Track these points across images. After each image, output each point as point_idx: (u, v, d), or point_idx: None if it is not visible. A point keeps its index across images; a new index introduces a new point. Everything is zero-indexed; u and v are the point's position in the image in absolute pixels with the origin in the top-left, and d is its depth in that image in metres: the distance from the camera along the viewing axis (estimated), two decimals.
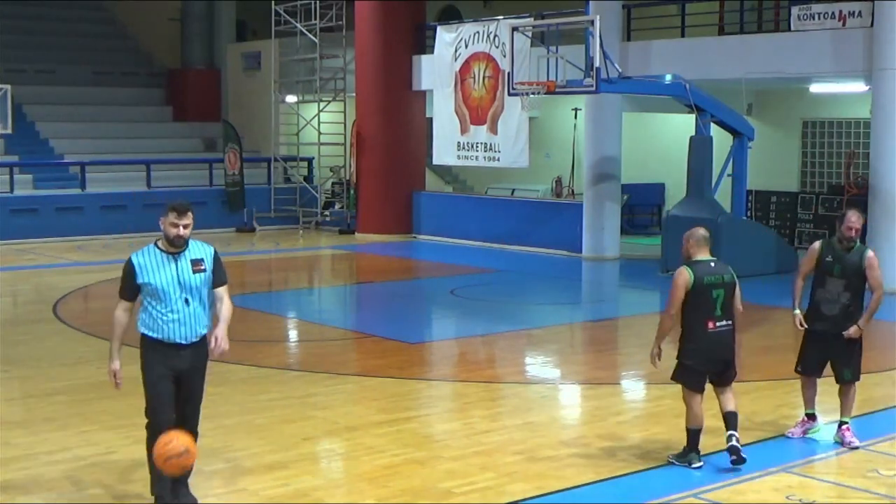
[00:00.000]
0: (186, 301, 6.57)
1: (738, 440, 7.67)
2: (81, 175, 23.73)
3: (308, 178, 26.69)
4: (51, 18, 29.44)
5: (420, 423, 9.19)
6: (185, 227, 6.59)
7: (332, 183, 27.11)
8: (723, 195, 18.05)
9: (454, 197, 25.20)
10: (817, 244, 8.49)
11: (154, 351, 6.67)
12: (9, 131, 22.47)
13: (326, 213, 25.89)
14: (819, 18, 17.09)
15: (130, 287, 6.65)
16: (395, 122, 23.41)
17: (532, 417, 9.21)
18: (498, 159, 21.17)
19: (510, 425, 8.89)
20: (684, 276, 7.75)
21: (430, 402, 10.11)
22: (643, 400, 10.32)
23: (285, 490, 7.27)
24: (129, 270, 6.59)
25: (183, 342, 6.61)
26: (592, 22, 16.18)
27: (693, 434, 7.73)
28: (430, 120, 23.11)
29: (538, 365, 11.98)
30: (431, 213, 23.55)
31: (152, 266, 6.56)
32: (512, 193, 24.39)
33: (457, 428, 8.86)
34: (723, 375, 7.92)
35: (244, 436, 8.49)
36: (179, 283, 6.56)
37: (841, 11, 16.78)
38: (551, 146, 25.67)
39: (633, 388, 10.91)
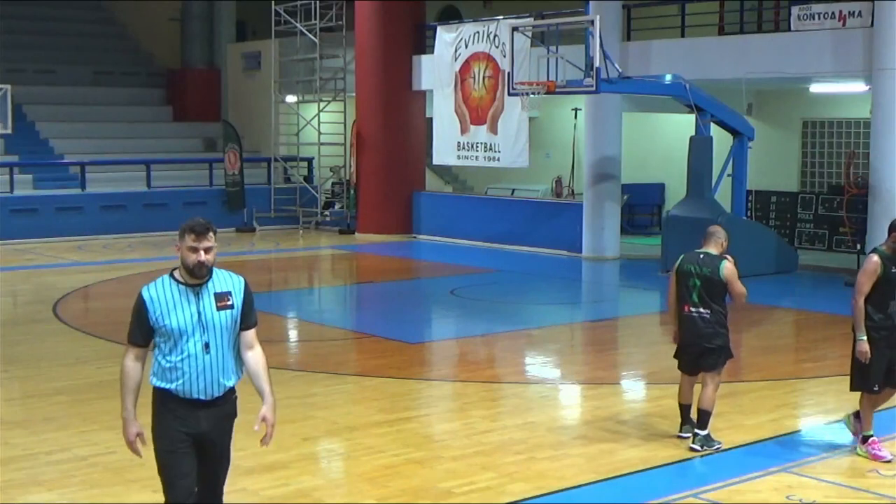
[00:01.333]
0: (206, 346, 5.27)
1: (698, 443, 8.05)
2: (81, 175, 23.74)
3: (308, 178, 26.69)
4: (51, 18, 29.45)
5: (420, 423, 9.19)
6: (207, 250, 5.22)
7: (332, 183, 27.11)
8: (723, 195, 18.05)
9: (454, 197, 25.19)
10: (875, 258, 7.75)
11: (168, 409, 5.49)
12: (9, 131, 22.47)
13: (326, 213, 25.89)
14: (819, 18, 17.10)
15: (142, 329, 5.34)
16: (395, 122, 23.41)
17: (532, 417, 9.20)
18: (498, 159, 21.17)
19: (510, 425, 8.88)
20: (676, 263, 8.58)
21: (430, 402, 10.11)
22: (643, 400, 10.32)
23: (285, 490, 7.27)
24: (140, 308, 5.29)
25: (203, 397, 5.36)
26: (592, 22, 16.18)
27: (680, 408, 8.45)
28: (430, 120, 23.11)
29: (538, 365, 11.98)
30: (431, 213, 23.54)
31: (168, 302, 5.25)
32: (512, 193, 24.39)
33: (457, 428, 8.86)
34: (696, 362, 8.26)
35: (244, 436, 8.41)
36: (200, 322, 5.25)
37: (841, 11, 16.78)
38: (551, 146, 25.67)
39: (633, 388, 10.91)
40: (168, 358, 5.38)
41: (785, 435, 8.61)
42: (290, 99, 26.53)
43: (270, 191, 25.67)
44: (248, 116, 27.81)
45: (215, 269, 5.34)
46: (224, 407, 5.46)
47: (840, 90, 20.12)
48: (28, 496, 7.16)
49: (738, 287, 8.23)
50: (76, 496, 7.13)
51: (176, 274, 5.33)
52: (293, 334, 13.87)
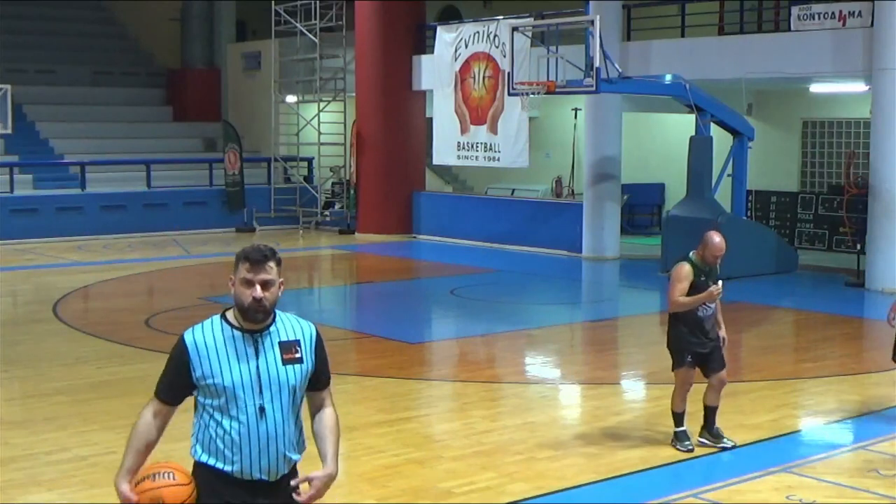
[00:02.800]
0: (261, 410, 4.08)
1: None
2: (81, 175, 23.74)
3: (308, 178, 26.69)
4: (51, 18, 29.45)
5: (420, 423, 9.19)
6: (266, 285, 4.07)
7: (332, 183, 27.11)
8: (723, 195, 18.05)
9: (454, 197, 25.19)
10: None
11: (217, 493, 4.15)
12: (9, 131, 22.47)
13: (326, 213, 25.89)
14: (819, 18, 17.09)
15: (177, 383, 4.21)
16: (395, 122, 23.41)
17: (532, 417, 9.21)
18: (498, 159, 21.17)
19: (510, 425, 8.88)
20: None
21: (430, 402, 10.11)
22: (643, 400, 10.32)
23: None
24: (181, 356, 4.14)
25: (266, 478, 4.15)
26: (592, 22, 16.18)
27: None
28: (430, 120, 23.10)
29: (538, 365, 11.98)
30: (431, 213, 23.54)
31: (218, 351, 4.10)
32: (512, 193, 24.39)
33: (457, 428, 8.86)
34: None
35: None
36: (259, 379, 4.09)
37: (841, 11, 16.78)
38: (551, 146, 25.67)
39: (633, 388, 10.91)
40: (218, 426, 4.14)
41: (785, 435, 8.61)
42: (290, 99, 26.53)
43: (270, 191, 25.67)
44: (248, 116, 27.81)
45: (279, 313, 4.19)
46: (288, 490, 4.20)
47: (840, 90, 20.12)
48: (28, 496, 7.16)
49: (670, 291, 8.01)
50: (76, 496, 7.13)
51: (229, 315, 4.15)
52: None
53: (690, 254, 8.03)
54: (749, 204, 19.80)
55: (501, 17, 21.43)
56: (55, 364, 11.13)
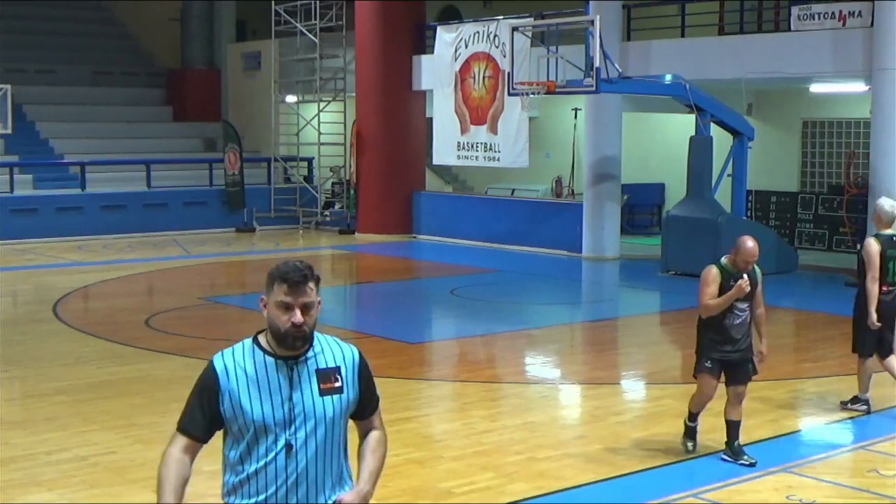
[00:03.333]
0: (288, 448, 3.64)
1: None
2: (81, 175, 23.73)
3: (308, 178, 26.69)
4: (51, 18, 29.45)
5: (420, 423, 9.19)
6: (306, 309, 3.68)
7: (332, 183, 27.11)
8: (723, 195, 18.05)
9: (454, 197, 25.19)
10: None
11: None
12: (9, 131, 22.47)
13: (326, 213, 25.89)
14: (819, 18, 17.09)
15: (205, 414, 3.70)
16: (395, 122, 23.41)
17: (532, 417, 9.21)
18: (498, 159, 21.17)
19: (510, 425, 8.88)
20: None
21: (430, 402, 10.11)
22: (643, 400, 10.32)
23: None
24: (209, 384, 3.69)
25: None
26: (592, 22, 16.18)
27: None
28: (430, 120, 23.10)
29: (538, 365, 11.98)
30: (431, 213, 23.54)
31: (248, 380, 3.66)
32: (512, 193, 24.39)
33: (457, 428, 8.86)
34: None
35: None
36: (292, 412, 3.65)
37: (841, 11, 16.77)
38: (551, 146, 25.67)
39: (633, 388, 10.91)
40: (245, 465, 3.69)
41: (785, 435, 8.61)
42: (290, 99, 26.53)
43: (270, 191, 25.67)
44: (248, 116, 27.81)
45: (317, 336, 3.76)
46: None
47: (840, 90, 20.12)
48: (28, 496, 7.16)
49: (699, 296, 7.74)
50: (76, 496, 7.13)
51: (261, 340, 3.73)
52: None
53: (722, 259, 7.76)
54: (749, 204, 19.80)
55: (501, 17, 21.42)
56: (55, 364, 11.13)
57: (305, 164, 26.98)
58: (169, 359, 11.28)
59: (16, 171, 23.04)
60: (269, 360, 3.68)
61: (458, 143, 21.87)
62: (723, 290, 7.55)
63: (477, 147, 21.51)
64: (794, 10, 17.50)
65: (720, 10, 20.27)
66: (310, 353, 3.71)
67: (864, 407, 9.14)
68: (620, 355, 12.48)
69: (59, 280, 17.20)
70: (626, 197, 21.68)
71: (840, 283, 16.40)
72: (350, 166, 24.59)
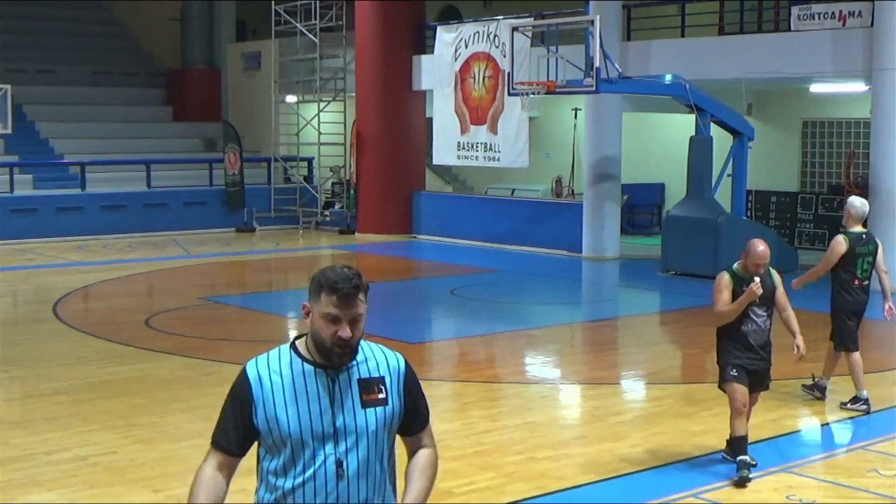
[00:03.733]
0: (339, 465, 3.39)
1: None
2: (81, 175, 23.74)
3: (308, 178, 26.69)
4: (51, 18, 29.46)
5: None
6: (355, 322, 3.43)
7: (332, 183, 27.11)
8: (723, 195, 18.05)
9: (454, 197, 25.19)
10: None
11: None
12: (9, 131, 22.47)
13: (326, 213, 25.89)
14: (819, 18, 17.09)
15: (239, 427, 3.44)
16: (395, 122, 23.41)
17: (532, 417, 9.21)
18: (498, 159, 21.17)
19: (510, 425, 8.88)
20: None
21: (431, 402, 10.01)
22: (643, 400, 10.32)
23: None
24: (242, 394, 3.43)
25: None
26: (592, 22, 16.18)
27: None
28: (430, 120, 23.10)
29: (538, 365, 11.98)
30: (431, 213, 23.54)
31: (285, 390, 3.40)
32: (512, 193, 24.39)
33: (457, 428, 8.86)
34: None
35: None
36: (334, 427, 3.40)
37: (841, 11, 16.78)
38: (551, 146, 25.67)
39: (633, 388, 10.91)
40: (282, 480, 3.42)
41: (785, 435, 8.61)
42: (290, 99, 26.53)
43: (270, 191, 25.67)
44: (248, 116, 27.81)
45: (361, 343, 3.51)
46: None
47: (840, 90, 20.12)
48: (28, 496, 7.15)
49: (713, 304, 7.59)
50: (76, 496, 7.13)
51: (300, 346, 3.47)
52: (293, 334, 13.82)
53: (734, 264, 7.57)
54: (749, 204, 19.80)
55: (501, 17, 21.43)
56: (55, 364, 11.12)
57: (305, 164, 26.99)
58: (169, 359, 11.28)
59: (16, 171, 23.05)
60: (308, 368, 3.41)
61: (458, 143, 21.87)
62: (735, 296, 7.38)
63: (477, 147, 21.51)
64: (794, 10, 17.50)
65: (720, 10, 20.28)
66: (352, 362, 3.45)
67: (864, 407, 9.17)
68: (620, 355, 12.48)
69: (59, 280, 17.20)
70: (626, 197, 21.68)
71: None
72: (350, 166, 24.59)
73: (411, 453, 3.62)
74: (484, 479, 7.48)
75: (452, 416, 9.53)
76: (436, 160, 23.24)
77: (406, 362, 3.60)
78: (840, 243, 9.26)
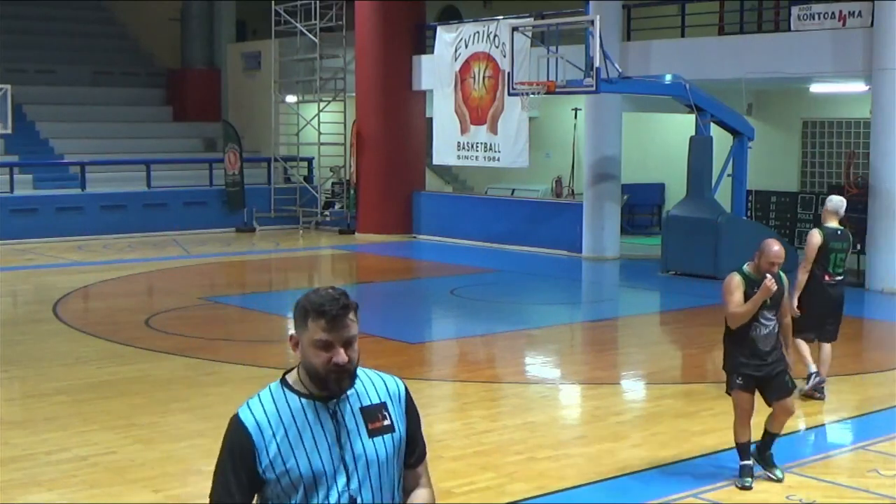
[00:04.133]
0: (353, 501, 3.17)
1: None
2: (81, 175, 23.74)
3: (308, 178, 26.69)
4: (51, 18, 29.45)
5: None
6: (349, 344, 3.21)
7: (332, 183, 27.11)
8: (723, 195, 18.05)
9: (454, 197, 25.19)
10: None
11: None
12: (9, 131, 22.47)
13: (326, 213, 25.89)
14: (819, 18, 17.09)
15: (241, 482, 3.16)
16: (395, 122, 23.41)
17: (532, 417, 9.20)
18: (498, 159, 21.17)
19: (510, 425, 8.88)
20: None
21: (430, 402, 10.09)
22: (643, 400, 10.32)
23: None
24: (242, 443, 3.15)
25: None
26: (592, 22, 16.18)
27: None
28: (430, 120, 23.10)
29: (538, 365, 11.98)
30: (431, 213, 23.54)
31: (287, 430, 3.15)
32: (512, 193, 24.39)
33: (457, 428, 8.86)
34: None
35: None
36: (343, 461, 3.17)
37: (841, 11, 16.77)
38: (551, 146, 25.67)
39: (633, 388, 10.91)
40: None
41: (785, 435, 8.60)
42: (290, 99, 26.53)
43: (270, 191, 25.67)
44: (248, 116, 27.80)
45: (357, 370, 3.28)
46: None
47: (840, 90, 20.12)
48: (28, 496, 7.16)
49: (725, 306, 7.39)
50: (76, 496, 7.13)
51: (290, 380, 3.22)
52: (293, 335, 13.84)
53: (744, 266, 7.40)
54: (749, 204, 19.78)
55: (501, 17, 21.42)
56: (55, 364, 11.13)
57: (305, 164, 26.98)
58: (169, 359, 11.28)
59: (16, 171, 23.04)
60: (306, 402, 3.16)
61: (458, 143, 21.87)
62: (747, 297, 7.20)
63: (477, 147, 21.51)
64: (794, 10, 17.49)
65: (720, 10, 20.28)
66: (350, 391, 3.21)
67: (818, 378, 9.38)
68: (620, 355, 12.48)
69: (59, 280, 17.20)
70: (626, 197, 21.68)
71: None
72: (350, 166, 24.60)
73: (408, 490, 3.34)
74: (484, 479, 7.48)
75: (452, 416, 9.53)
76: (436, 160, 23.24)
77: (405, 386, 3.35)
78: (815, 236, 9.42)
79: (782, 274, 7.50)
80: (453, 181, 28.66)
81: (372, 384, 3.28)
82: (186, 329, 13.18)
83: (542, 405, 9.90)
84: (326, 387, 3.15)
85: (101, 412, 9.16)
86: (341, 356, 3.14)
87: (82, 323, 13.69)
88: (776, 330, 7.36)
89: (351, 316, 3.20)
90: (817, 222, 10.26)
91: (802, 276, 9.39)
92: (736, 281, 7.30)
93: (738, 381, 7.29)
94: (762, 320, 7.25)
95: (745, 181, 18.26)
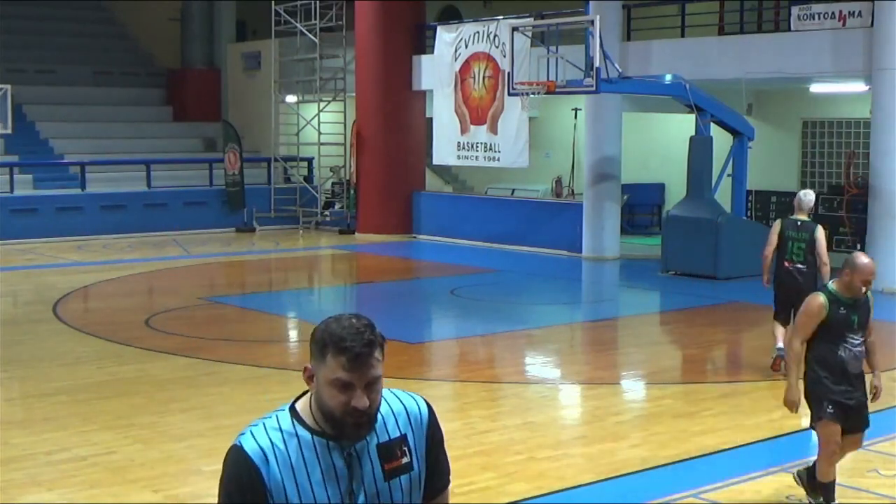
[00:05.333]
0: None
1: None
2: (81, 175, 23.73)
3: (308, 178, 26.69)
4: (51, 18, 29.45)
5: None
6: (371, 385, 2.78)
7: (332, 183, 27.11)
8: (723, 195, 18.06)
9: (454, 197, 25.19)
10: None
11: None
12: (9, 131, 22.47)
13: (326, 213, 25.88)
14: (819, 18, 17.09)
15: None
16: (395, 122, 23.41)
17: (532, 417, 9.20)
18: (498, 159, 21.16)
19: (510, 425, 8.88)
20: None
21: (431, 402, 10.09)
22: (643, 400, 10.32)
23: None
24: (247, 477, 2.78)
25: None
26: (592, 22, 16.18)
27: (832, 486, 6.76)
28: (430, 120, 23.10)
29: (538, 365, 11.98)
30: (431, 213, 23.54)
31: (294, 468, 2.79)
32: (512, 193, 24.38)
33: (457, 428, 8.85)
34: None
35: None
36: None
37: (841, 11, 16.77)
38: (551, 146, 25.67)
39: (633, 388, 10.91)
40: None
41: (785, 435, 8.61)
42: (290, 99, 26.53)
43: (270, 191, 25.67)
44: (248, 116, 27.80)
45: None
46: None
47: (840, 90, 20.12)
48: (28, 496, 7.15)
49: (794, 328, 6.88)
50: (76, 496, 7.13)
51: (302, 412, 2.86)
52: (293, 334, 13.87)
53: (829, 284, 6.61)
54: (749, 204, 19.80)
55: (501, 17, 21.42)
56: (55, 364, 11.12)
57: (305, 164, 26.98)
58: (169, 359, 11.28)
59: (16, 171, 23.04)
60: (319, 441, 2.80)
61: (458, 143, 21.87)
62: (830, 320, 6.40)
63: (477, 147, 21.51)
64: (794, 10, 17.49)
65: (720, 10, 20.27)
66: (370, 433, 2.85)
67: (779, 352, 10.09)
68: (620, 355, 12.48)
69: (59, 280, 17.20)
70: (626, 197, 21.68)
71: None
72: (350, 166, 24.59)
73: None
74: (484, 479, 7.48)
75: (452, 416, 9.52)
76: (436, 160, 23.24)
77: (429, 408, 3.00)
78: (775, 224, 10.51)
79: (870, 294, 6.62)
80: (453, 181, 28.66)
81: (392, 413, 2.89)
82: (186, 329, 13.18)
83: (542, 405, 9.90)
84: (342, 432, 2.78)
85: (100, 412, 9.16)
86: (361, 401, 2.74)
87: (82, 323, 13.69)
88: (863, 354, 6.59)
89: (376, 354, 2.78)
90: (818, 222, 10.56)
91: (764, 256, 10.54)
92: (818, 304, 6.48)
93: (829, 411, 6.46)
94: (849, 342, 6.49)
95: (745, 181, 18.27)
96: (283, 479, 2.76)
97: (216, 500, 2.84)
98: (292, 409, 2.85)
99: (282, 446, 2.78)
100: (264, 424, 2.83)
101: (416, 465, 2.91)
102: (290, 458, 2.77)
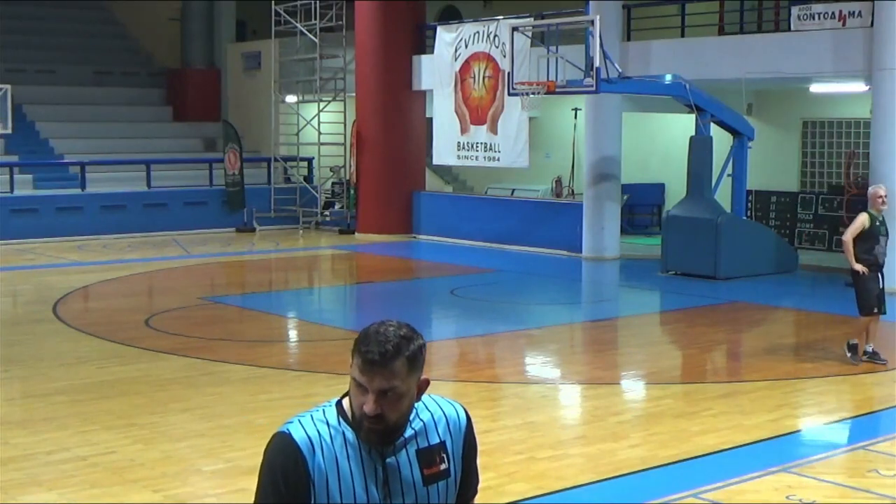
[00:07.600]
0: None
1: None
2: (81, 175, 23.74)
3: (308, 178, 26.69)
4: (51, 18, 29.46)
5: None
6: (385, 394, 2.75)
7: (332, 183, 27.11)
8: (723, 195, 18.06)
9: (454, 197, 25.19)
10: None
11: None
12: (9, 131, 22.47)
13: (326, 213, 25.89)
14: (819, 18, 17.10)
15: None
16: (395, 122, 23.41)
17: (532, 417, 9.20)
18: (498, 159, 21.17)
19: (510, 425, 8.88)
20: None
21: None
22: (643, 400, 10.32)
23: None
24: (297, 469, 2.77)
25: None
26: (592, 22, 16.18)
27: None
28: (430, 120, 23.11)
29: (538, 365, 11.98)
30: (431, 213, 23.54)
31: (339, 463, 2.79)
32: (512, 193, 24.39)
33: None
34: None
35: (244, 436, 8.47)
36: None
37: (841, 11, 16.78)
38: (551, 146, 25.67)
39: (633, 388, 10.91)
40: None
41: (785, 435, 8.61)
42: (290, 99, 26.53)
43: (270, 191, 25.67)
44: (248, 116, 27.81)
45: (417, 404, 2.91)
46: None
47: (840, 90, 20.12)
48: (28, 496, 7.15)
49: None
50: (76, 496, 7.13)
51: (346, 408, 2.86)
52: (293, 334, 13.87)
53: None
54: (749, 204, 19.80)
55: (501, 17, 21.43)
56: (55, 364, 11.13)
57: (305, 164, 26.99)
58: (169, 359, 11.28)
59: (16, 171, 23.04)
60: (356, 443, 2.81)
61: (458, 143, 21.88)
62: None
63: (477, 147, 21.52)
64: (794, 10, 17.50)
65: (720, 10, 20.27)
66: (408, 431, 2.85)
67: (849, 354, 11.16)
68: (620, 355, 12.48)
69: (59, 280, 17.20)
70: (626, 197, 21.68)
71: (840, 284, 16.39)
72: (350, 166, 24.60)
73: None
74: (484, 478, 7.38)
75: None
76: (436, 160, 23.25)
77: (468, 416, 2.99)
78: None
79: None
80: (453, 181, 28.66)
81: (432, 420, 2.90)
82: (186, 329, 13.18)
83: (542, 405, 9.90)
84: (359, 432, 2.80)
85: (101, 412, 9.16)
86: (369, 406, 2.72)
87: (82, 323, 13.68)
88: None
89: (398, 365, 2.72)
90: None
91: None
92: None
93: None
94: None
95: (745, 181, 18.28)
96: (326, 472, 2.76)
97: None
98: (339, 404, 2.87)
99: (328, 440, 2.78)
100: (312, 416, 2.84)
101: (453, 471, 2.93)
102: (335, 452, 2.78)
